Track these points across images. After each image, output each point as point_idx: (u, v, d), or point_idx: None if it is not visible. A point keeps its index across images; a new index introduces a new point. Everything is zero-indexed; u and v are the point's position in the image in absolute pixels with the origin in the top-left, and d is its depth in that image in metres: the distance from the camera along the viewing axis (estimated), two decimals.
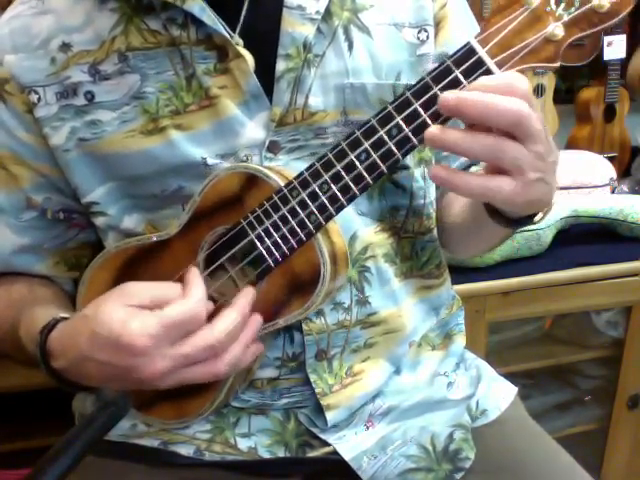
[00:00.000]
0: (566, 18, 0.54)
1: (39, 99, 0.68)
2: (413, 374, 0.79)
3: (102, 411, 0.50)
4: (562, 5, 0.53)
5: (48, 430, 1.08)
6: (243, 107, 0.67)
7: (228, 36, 0.65)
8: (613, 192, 1.56)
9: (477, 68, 0.54)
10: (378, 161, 0.58)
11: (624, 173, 1.83)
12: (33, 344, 0.64)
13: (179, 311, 0.57)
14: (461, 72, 0.54)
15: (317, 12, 0.67)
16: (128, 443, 0.74)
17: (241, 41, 0.67)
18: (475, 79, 0.54)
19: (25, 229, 0.75)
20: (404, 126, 0.56)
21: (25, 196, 0.73)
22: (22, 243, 0.75)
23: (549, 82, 1.75)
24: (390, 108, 0.57)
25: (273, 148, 0.68)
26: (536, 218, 0.64)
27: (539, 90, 1.74)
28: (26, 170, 0.72)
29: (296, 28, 0.66)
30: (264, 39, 0.67)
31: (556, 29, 0.54)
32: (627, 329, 1.42)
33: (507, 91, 0.51)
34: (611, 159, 1.70)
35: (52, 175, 0.72)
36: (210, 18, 0.64)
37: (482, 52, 0.54)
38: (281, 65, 0.67)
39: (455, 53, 0.54)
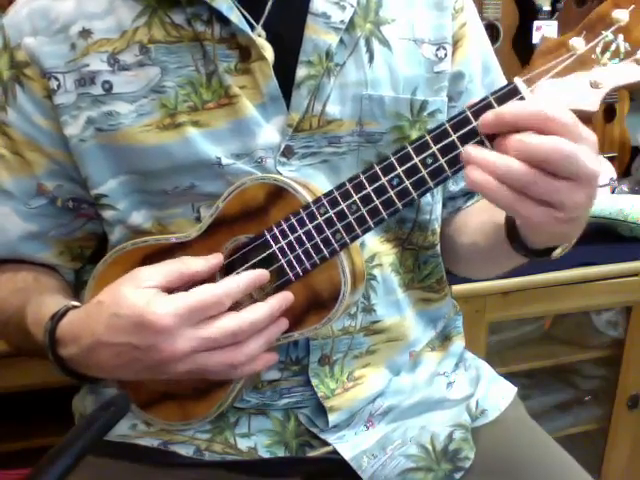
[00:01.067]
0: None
1: (59, 86, 0.67)
2: (412, 374, 0.79)
3: (102, 411, 0.50)
4: (607, 54, 0.55)
5: (48, 430, 1.08)
6: (260, 109, 0.67)
7: (250, 31, 0.65)
8: (613, 192, 1.56)
9: None
10: (410, 188, 0.58)
11: (624, 173, 1.82)
12: (41, 331, 0.64)
13: (206, 293, 0.57)
14: None
15: (342, 22, 0.67)
16: (128, 443, 0.74)
17: (264, 33, 0.67)
18: None
19: (33, 216, 0.74)
20: (439, 156, 0.56)
21: (36, 182, 0.72)
22: (29, 230, 0.74)
23: None
24: (428, 137, 0.56)
25: (287, 153, 0.68)
26: (555, 254, 0.64)
27: None
28: (41, 156, 0.71)
29: (320, 35, 0.66)
30: (285, 41, 0.67)
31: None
32: (627, 329, 1.42)
33: (541, 122, 0.51)
34: (611, 159, 1.70)
35: (66, 163, 0.71)
36: (237, 17, 0.64)
37: (526, 92, 0.54)
38: (302, 71, 0.67)
39: (498, 90, 0.54)
